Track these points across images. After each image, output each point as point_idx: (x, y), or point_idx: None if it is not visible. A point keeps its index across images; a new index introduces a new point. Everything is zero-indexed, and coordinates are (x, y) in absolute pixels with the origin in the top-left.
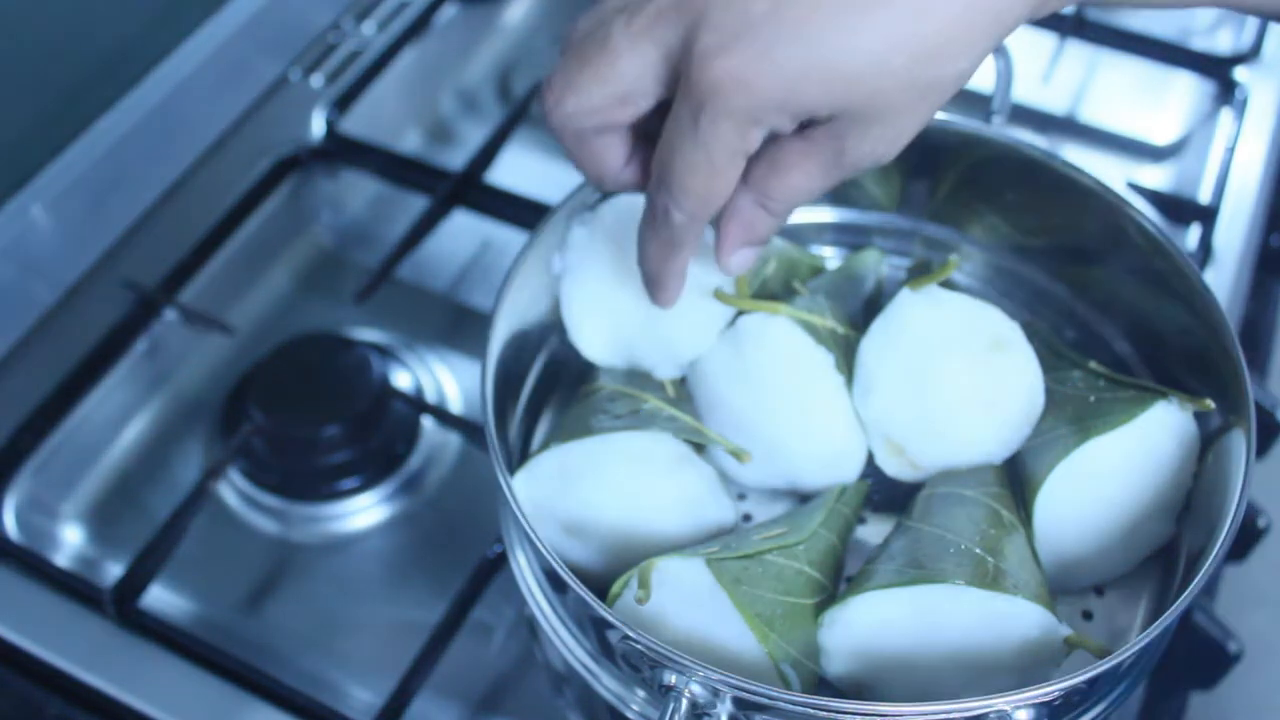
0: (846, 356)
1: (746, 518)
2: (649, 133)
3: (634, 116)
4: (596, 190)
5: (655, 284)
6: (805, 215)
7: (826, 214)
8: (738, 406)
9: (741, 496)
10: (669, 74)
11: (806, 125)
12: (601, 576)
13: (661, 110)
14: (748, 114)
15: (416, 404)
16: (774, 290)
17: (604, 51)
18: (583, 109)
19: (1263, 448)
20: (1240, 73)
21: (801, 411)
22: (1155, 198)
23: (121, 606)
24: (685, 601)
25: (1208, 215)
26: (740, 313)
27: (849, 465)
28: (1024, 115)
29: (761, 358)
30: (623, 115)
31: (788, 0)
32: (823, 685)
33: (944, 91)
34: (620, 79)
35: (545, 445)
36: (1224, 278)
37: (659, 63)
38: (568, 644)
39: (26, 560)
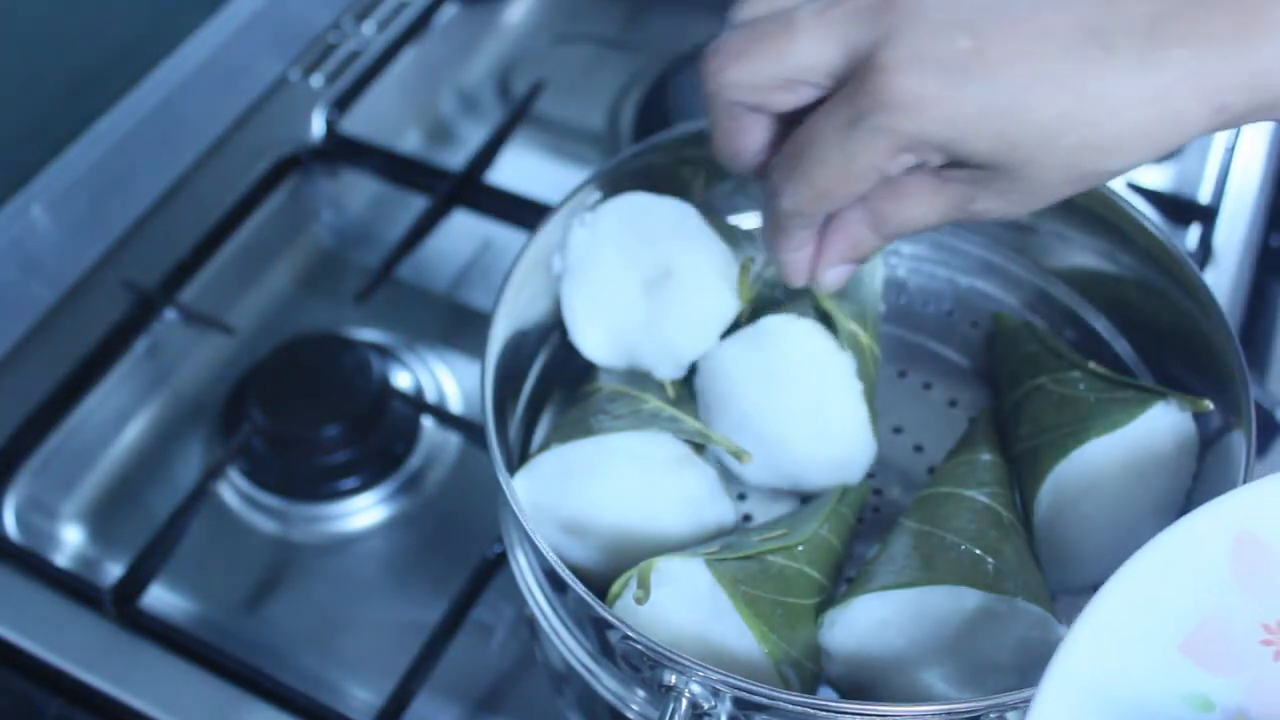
0: (863, 361)
1: (746, 518)
2: (793, 124)
3: (789, 105)
4: (727, 165)
5: (776, 262)
6: None
7: None
8: (750, 404)
9: (741, 496)
10: (843, 72)
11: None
12: (601, 576)
13: (814, 106)
14: (908, 139)
15: (416, 404)
16: (779, 294)
17: (786, 31)
18: (744, 82)
19: (1263, 448)
20: None
21: (818, 413)
22: (1155, 198)
23: (121, 606)
24: (685, 601)
25: (1208, 215)
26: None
27: (855, 468)
28: None
29: (783, 356)
30: (780, 100)
31: (991, 45)
32: (823, 685)
33: (1093, 182)
34: (795, 62)
35: (545, 445)
36: (1224, 278)
37: (839, 58)
38: (568, 644)
39: (26, 560)
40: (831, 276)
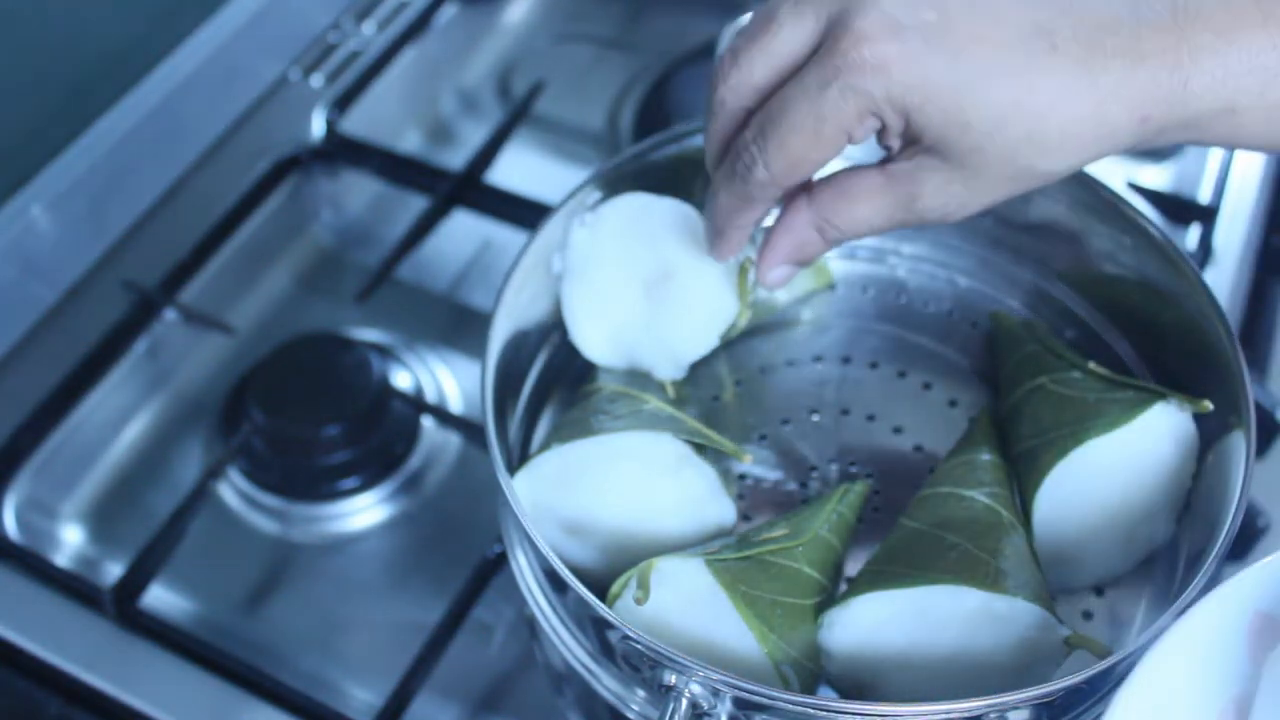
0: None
1: (746, 518)
2: None
3: None
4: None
5: (718, 236)
6: None
7: None
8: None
9: (741, 496)
10: (820, 45)
11: (887, 161)
12: (601, 576)
13: None
14: (876, 100)
15: (416, 404)
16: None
17: (767, 23)
18: (744, 84)
19: (1263, 448)
20: None
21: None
22: (1155, 198)
23: (121, 606)
24: (685, 601)
25: (1208, 215)
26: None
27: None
28: None
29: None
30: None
31: (956, 21)
32: (822, 685)
33: (1029, 182)
34: (780, 48)
35: (545, 445)
36: (1224, 278)
37: (816, 33)
38: (568, 644)
39: (26, 560)
40: (776, 275)
